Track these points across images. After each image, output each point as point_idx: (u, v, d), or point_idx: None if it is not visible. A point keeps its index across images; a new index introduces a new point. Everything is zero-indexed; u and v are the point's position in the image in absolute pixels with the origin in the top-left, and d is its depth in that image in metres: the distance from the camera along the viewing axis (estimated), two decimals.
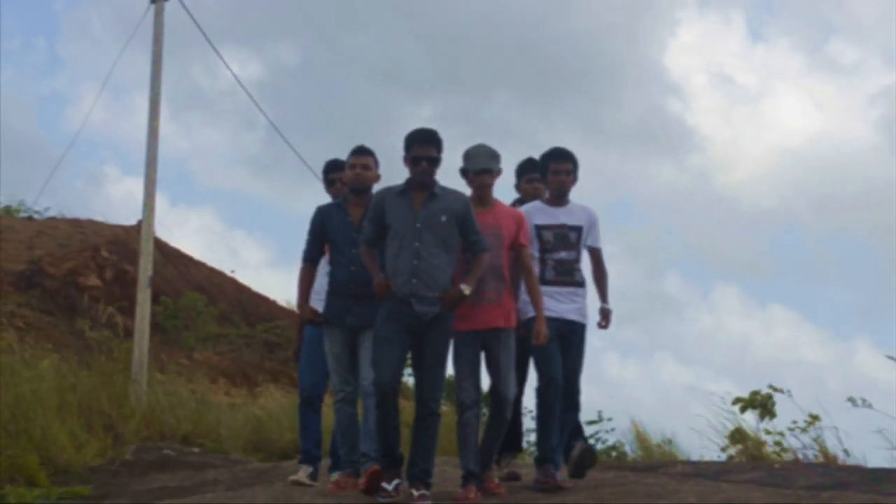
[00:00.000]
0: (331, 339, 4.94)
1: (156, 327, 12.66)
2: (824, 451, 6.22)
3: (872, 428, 5.89)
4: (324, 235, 5.00)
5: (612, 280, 5.25)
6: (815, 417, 6.34)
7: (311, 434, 5.41)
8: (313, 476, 5.33)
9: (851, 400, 6.16)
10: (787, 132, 44.42)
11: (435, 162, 4.64)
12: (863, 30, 44.90)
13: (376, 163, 5.10)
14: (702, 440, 7.03)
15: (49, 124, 42.04)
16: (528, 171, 5.43)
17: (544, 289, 4.92)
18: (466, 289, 4.52)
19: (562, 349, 4.92)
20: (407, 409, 5.61)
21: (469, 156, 4.83)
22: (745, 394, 6.75)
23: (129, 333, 10.54)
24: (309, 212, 5.32)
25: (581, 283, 5.06)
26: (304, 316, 4.98)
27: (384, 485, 4.43)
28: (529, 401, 5.36)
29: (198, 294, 16.86)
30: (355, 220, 4.92)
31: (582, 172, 5.21)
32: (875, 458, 5.98)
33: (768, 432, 6.59)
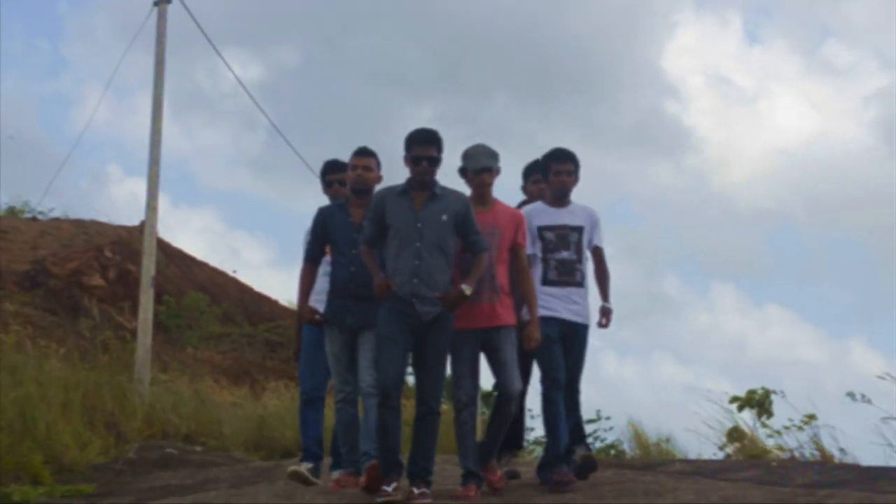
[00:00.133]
0: (331, 340, 4.96)
1: (158, 327, 12.70)
2: (821, 450, 6.25)
3: (868, 427, 5.93)
4: (325, 236, 5.02)
5: (611, 280, 5.24)
6: (811, 416, 6.37)
7: (313, 434, 5.41)
8: (314, 473, 5.36)
9: (850, 395, 6.19)
10: (783, 133, 44.58)
11: (435, 162, 4.66)
12: (858, 32, 45.05)
13: (378, 164, 5.12)
14: (699, 439, 7.07)
15: (53, 125, 42.14)
16: (535, 173, 5.43)
17: (546, 289, 4.94)
18: (467, 289, 4.54)
19: (564, 350, 4.93)
20: (407, 407, 5.65)
21: (468, 155, 4.85)
22: (742, 393, 6.78)
23: (132, 333, 10.60)
24: (310, 212, 5.36)
25: (583, 284, 5.06)
26: (304, 315, 5.00)
27: (384, 487, 4.43)
28: (530, 401, 5.41)
29: (200, 294, 16.91)
30: (356, 221, 4.93)
31: (580, 173, 5.20)
32: (871, 456, 6.02)
33: (765, 426, 6.61)
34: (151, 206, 10.83)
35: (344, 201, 5.12)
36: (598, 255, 5.18)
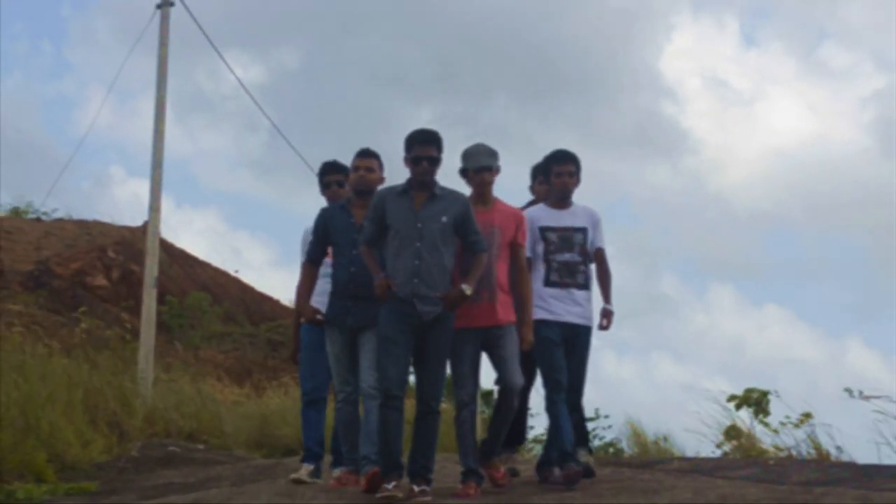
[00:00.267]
0: (331, 340, 4.97)
1: (161, 326, 12.74)
2: (818, 448, 6.27)
3: (864, 425, 5.95)
4: (327, 237, 5.03)
5: (612, 281, 5.19)
6: (807, 415, 6.39)
7: (313, 434, 5.44)
8: (315, 474, 5.39)
9: (848, 391, 6.20)
10: (780, 135, 44.70)
11: (435, 162, 4.68)
12: (854, 34, 45.14)
13: (380, 165, 5.14)
14: (697, 437, 7.10)
15: (56, 127, 42.30)
16: (542, 173, 5.42)
17: (549, 291, 4.93)
18: (468, 289, 4.55)
19: (566, 352, 4.92)
20: (407, 406, 5.68)
21: (468, 154, 4.86)
22: (739, 392, 6.81)
23: (135, 332, 10.65)
24: (311, 213, 5.39)
25: (586, 286, 5.05)
26: (307, 314, 5.02)
27: (385, 485, 4.44)
28: (532, 401, 5.42)
29: (202, 294, 16.97)
30: (358, 222, 4.93)
31: (581, 174, 5.18)
32: (867, 454, 6.05)
33: (763, 423, 6.63)
34: (154, 207, 10.89)
35: (346, 202, 5.13)
36: (599, 256, 5.16)
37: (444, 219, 4.63)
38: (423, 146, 4.67)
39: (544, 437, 5.06)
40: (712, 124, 47.22)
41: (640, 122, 43.13)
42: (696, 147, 44.29)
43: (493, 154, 4.86)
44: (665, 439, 7.72)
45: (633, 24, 44.63)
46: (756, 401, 6.68)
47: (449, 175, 4.92)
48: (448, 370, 4.75)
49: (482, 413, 9.00)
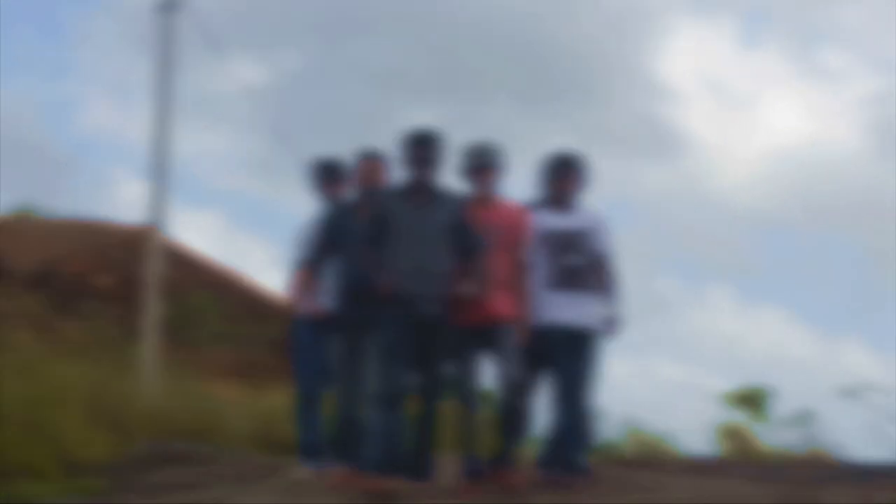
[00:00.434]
0: (334, 341, 5.01)
1: (164, 326, 12.80)
2: (815, 446, 6.30)
3: (862, 424, 5.98)
4: (330, 237, 5.07)
5: (618, 287, 5.03)
6: (806, 414, 6.42)
7: (312, 434, 5.47)
8: (315, 473, 5.42)
9: (846, 390, 6.22)
10: (778, 136, 44.77)
11: (435, 162, 4.71)
12: (851, 36, 45.18)
13: (385, 166, 5.16)
14: (695, 436, 7.12)
15: (59, 128, 42.37)
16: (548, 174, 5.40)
17: (552, 294, 4.89)
18: (468, 288, 4.60)
19: (570, 355, 4.85)
20: (408, 406, 5.70)
21: (470, 153, 4.88)
22: (737, 391, 6.83)
23: (138, 332, 10.69)
24: (313, 213, 5.43)
25: (589, 289, 4.97)
26: (312, 314, 5.04)
27: (385, 485, 4.45)
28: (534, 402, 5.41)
29: (206, 293, 17.02)
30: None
31: (588, 177, 5.11)
32: (865, 452, 6.07)
33: (761, 420, 6.66)
34: (158, 207, 10.94)
35: (350, 202, 5.16)
36: (604, 261, 5.06)
37: (444, 219, 4.66)
38: (423, 146, 4.70)
39: (548, 437, 5.04)
40: (711, 125, 47.40)
41: (639, 124, 43.32)
42: (694, 148, 44.47)
43: (495, 153, 4.87)
44: (664, 438, 7.75)
45: (632, 25, 44.87)
46: (754, 400, 6.70)
47: (449, 175, 4.94)
48: (449, 369, 4.78)
49: (482, 412, 8.99)
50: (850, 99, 46.19)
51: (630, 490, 4.68)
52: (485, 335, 4.76)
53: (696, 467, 5.77)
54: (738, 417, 6.73)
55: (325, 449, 5.50)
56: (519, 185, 5.67)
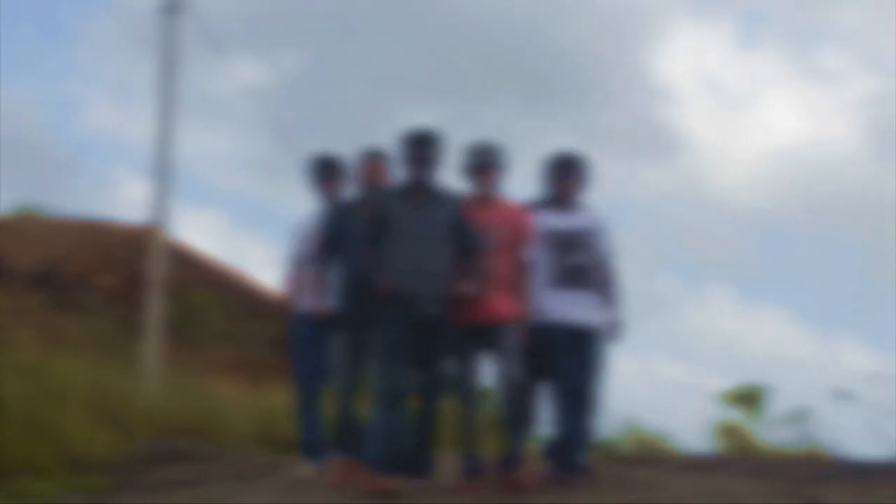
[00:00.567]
0: (334, 340, 5.02)
1: (167, 325, 12.83)
2: (813, 444, 6.32)
3: (859, 422, 6.00)
4: (331, 236, 5.07)
5: (620, 289, 5.01)
6: (803, 412, 6.44)
7: (312, 433, 5.48)
8: (315, 471, 5.44)
9: (841, 391, 6.24)
10: (776, 136, 44.83)
11: (435, 162, 4.71)
12: (850, 37, 45.21)
13: (387, 165, 5.16)
14: (693, 434, 7.15)
15: (61, 128, 42.45)
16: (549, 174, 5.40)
17: (554, 293, 4.88)
18: (468, 287, 4.62)
19: (573, 354, 4.86)
20: (410, 406, 5.72)
21: (472, 152, 4.88)
22: (733, 389, 6.85)
23: (141, 331, 10.73)
24: (312, 213, 5.45)
25: (591, 288, 4.96)
26: (317, 313, 5.06)
27: (386, 484, 4.46)
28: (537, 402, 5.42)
29: (208, 292, 17.06)
30: None
31: (590, 177, 5.10)
32: (862, 450, 6.10)
33: (760, 416, 6.69)
34: (160, 207, 10.98)
35: (351, 202, 5.17)
36: (606, 263, 5.06)
37: (444, 218, 4.66)
38: (422, 146, 4.70)
39: (552, 434, 5.04)
40: (709, 126, 47.50)
41: (638, 124, 43.42)
42: (694, 148, 44.56)
43: (497, 152, 4.87)
44: (663, 436, 7.77)
45: (631, 26, 44.95)
46: (752, 398, 6.73)
47: (449, 175, 4.95)
48: (449, 368, 4.79)
49: (482, 412, 9.02)
50: (848, 99, 46.28)
51: (630, 488, 4.69)
52: (485, 335, 4.77)
53: (695, 465, 5.78)
54: (736, 416, 6.76)
55: (325, 447, 5.53)
56: (519, 184, 5.71)
